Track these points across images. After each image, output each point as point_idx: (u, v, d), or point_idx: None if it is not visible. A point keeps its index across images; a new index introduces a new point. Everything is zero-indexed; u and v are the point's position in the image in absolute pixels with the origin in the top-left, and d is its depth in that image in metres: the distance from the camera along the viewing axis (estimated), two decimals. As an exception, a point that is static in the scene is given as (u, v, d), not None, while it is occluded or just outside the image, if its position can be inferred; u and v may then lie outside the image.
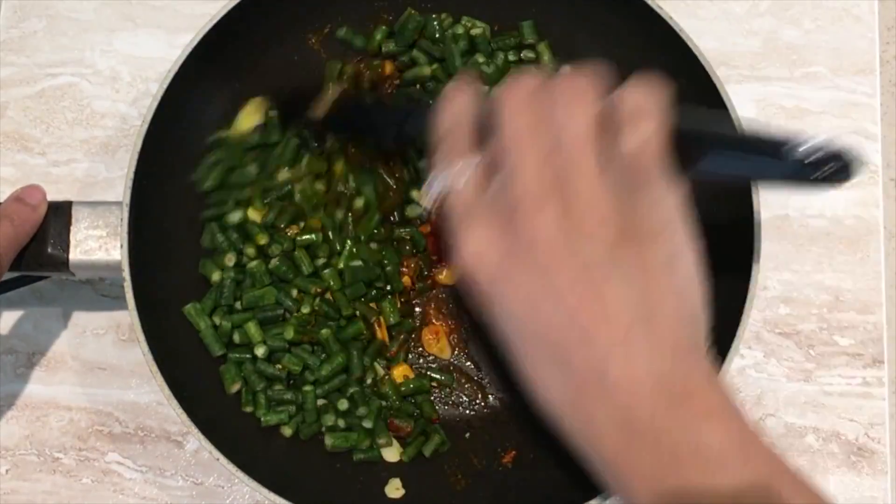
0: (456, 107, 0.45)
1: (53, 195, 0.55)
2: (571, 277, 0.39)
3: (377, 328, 0.59)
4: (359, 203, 0.59)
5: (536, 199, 0.40)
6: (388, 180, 0.59)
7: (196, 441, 0.51)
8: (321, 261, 0.58)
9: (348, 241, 0.58)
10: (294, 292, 0.58)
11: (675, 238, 0.41)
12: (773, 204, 0.65)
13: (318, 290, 0.58)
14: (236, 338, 0.57)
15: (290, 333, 0.57)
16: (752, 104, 0.67)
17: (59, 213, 0.54)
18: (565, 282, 0.39)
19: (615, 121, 0.41)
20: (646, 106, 0.41)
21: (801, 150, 0.41)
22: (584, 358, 0.39)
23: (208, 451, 0.51)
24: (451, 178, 0.44)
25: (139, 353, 0.52)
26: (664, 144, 0.41)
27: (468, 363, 0.61)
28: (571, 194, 0.40)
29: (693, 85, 0.57)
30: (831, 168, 0.40)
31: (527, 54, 0.62)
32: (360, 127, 0.58)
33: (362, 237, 0.58)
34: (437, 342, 0.60)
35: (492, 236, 0.41)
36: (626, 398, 0.38)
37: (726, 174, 0.44)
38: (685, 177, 0.42)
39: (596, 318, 0.39)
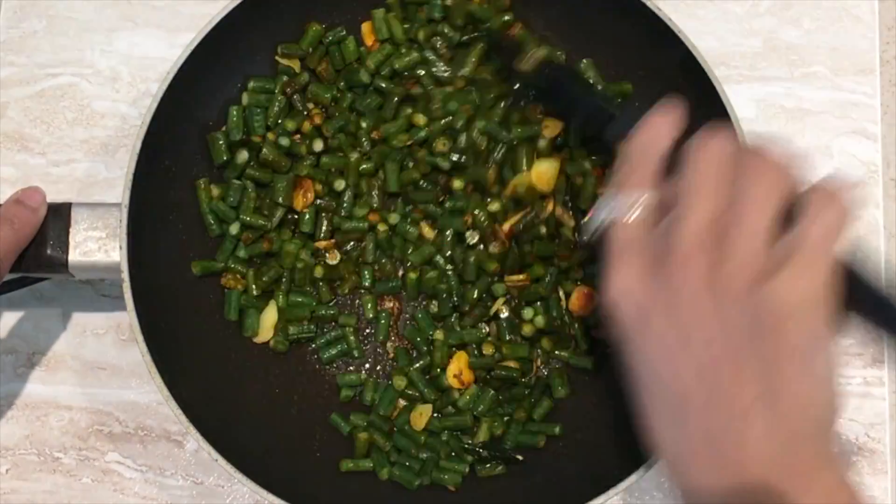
0: (653, 135, 0.45)
1: (53, 195, 0.55)
2: (709, 335, 0.40)
3: None
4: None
5: (694, 247, 0.40)
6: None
7: (195, 441, 0.52)
8: None
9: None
10: None
11: (816, 321, 0.40)
12: (773, 204, 0.65)
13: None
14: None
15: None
16: (751, 104, 0.67)
17: (59, 215, 0.54)
18: (702, 338, 0.40)
19: (796, 210, 0.41)
20: (842, 194, 0.41)
21: None
22: (701, 423, 0.39)
23: (207, 451, 0.51)
24: (622, 208, 0.44)
25: (139, 353, 0.52)
26: (841, 236, 0.41)
27: None
28: (729, 253, 0.40)
29: (692, 85, 0.57)
30: None
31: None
32: (561, 98, 0.56)
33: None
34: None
35: (643, 275, 0.42)
36: (735, 470, 0.39)
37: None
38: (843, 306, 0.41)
39: (725, 383, 0.39)
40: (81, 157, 0.66)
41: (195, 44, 0.56)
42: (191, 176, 0.59)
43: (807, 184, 0.42)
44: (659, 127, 0.46)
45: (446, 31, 0.61)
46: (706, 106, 0.56)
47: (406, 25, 0.61)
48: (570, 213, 0.60)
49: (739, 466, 0.38)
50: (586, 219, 0.46)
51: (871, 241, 0.65)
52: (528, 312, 0.59)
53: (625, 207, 0.44)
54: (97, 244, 0.54)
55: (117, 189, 0.54)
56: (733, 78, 0.67)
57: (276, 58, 0.61)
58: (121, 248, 0.53)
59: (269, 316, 0.59)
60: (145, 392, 0.62)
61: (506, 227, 0.59)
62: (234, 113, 0.59)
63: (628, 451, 0.51)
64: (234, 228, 0.59)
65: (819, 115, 0.67)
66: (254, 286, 0.59)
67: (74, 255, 0.54)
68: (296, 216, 0.60)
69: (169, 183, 0.58)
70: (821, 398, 0.40)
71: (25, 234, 0.53)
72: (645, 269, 0.42)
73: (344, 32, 0.62)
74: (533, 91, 0.58)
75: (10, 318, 0.64)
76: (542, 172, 0.59)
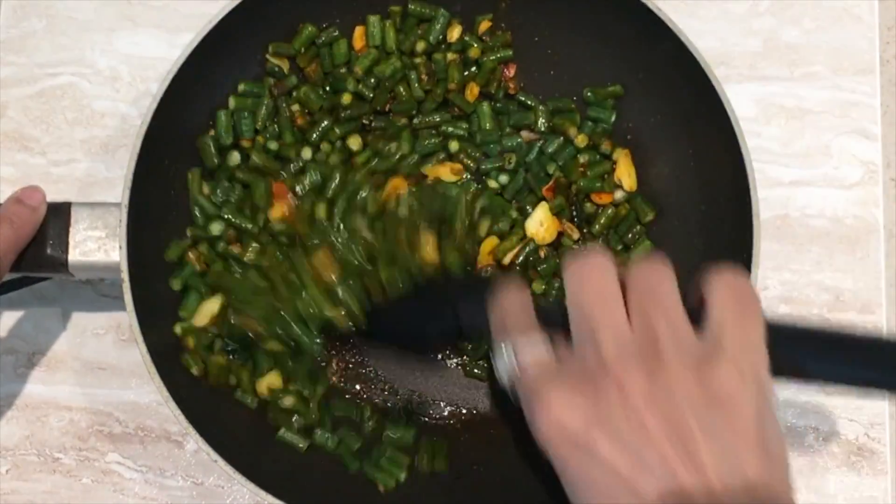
0: (512, 294, 0.45)
1: (53, 195, 0.55)
2: (663, 439, 0.38)
3: None
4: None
5: (623, 363, 0.39)
6: None
7: (195, 442, 0.51)
8: None
9: None
10: None
11: (763, 400, 0.40)
12: (774, 204, 0.65)
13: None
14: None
15: None
16: (751, 104, 0.67)
17: (58, 215, 0.54)
18: (657, 443, 0.38)
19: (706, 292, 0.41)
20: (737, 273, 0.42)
21: None
22: None
23: (206, 452, 0.51)
24: (520, 353, 0.43)
25: (139, 353, 0.52)
26: (760, 309, 0.41)
27: None
28: (660, 353, 0.39)
29: (692, 85, 0.57)
30: None
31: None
32: (401, 335, 0.55)
33: None
34: None
35: (574, 403, 0.40)
36: None
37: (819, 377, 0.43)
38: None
39: (691, 481, 0.37)
40: (81, 157, 0.66)
41: (195, 44, 0.56)
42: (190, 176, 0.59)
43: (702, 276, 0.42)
44: (514, 290, 0.45)
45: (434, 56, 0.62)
46: (706, 106, 0.56)
47: (401, 36, 0.62)
48: (574, 223, 0.60)
49: None
50: (499, 376, 0.45)
51: (872, 241, 0.65)
52: None
53: (523, 351, 0.43)
54: (97, 244, 0.54)
55: (117, 189, 0.54)
56: (733, 78, 0.67)
57: (267, 55, 0.61)
58: (120, 247, 0.53)
59: (210, 305, 0.58)
60: (145, 392, 0.62)
61: (507, 259, 0.59)
62: (223, 117, 0.59)
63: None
64: (216, 228, 0.58)
65: (819, 115, 0.67)
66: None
67: (74, 255, 0.54)
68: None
69: (169, 183, 0.58)
70: (781, 468, 0.40)
71: (25, 233, 0.53)
72: (572, 397, 0.40)
73: (337, 34, 0.62)
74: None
75: (10, 318, 0.64)
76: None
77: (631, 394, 0.39)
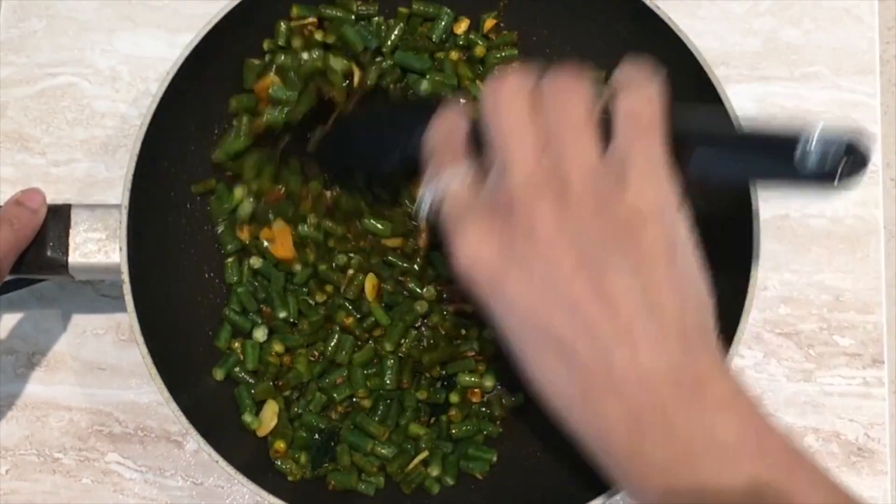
0: (446, 122, 0.45)
1: (53, 195, 0.55)
2: (570, 270, 0.38)
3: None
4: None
5: (530, 190, 0.39)
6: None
7: (195, 442, 0.51)
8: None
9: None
10: None
11: (673, 224, 0.40)
12: (774, 204, 0.65)
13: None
14: None
15: None
16: (752, 104, 0.67)
17: (59, 216, 0.54)
18: (564, 275, 0.38)
19: (610, 107, 0.40)
20: (642, 79, 0.41)
21: (807, 147, 0.38)
22: (589, 351, 0.38)
23: (207, 453, 0.51)
24: (443, 184, 0.43)
25: (139, 354, 0.52)
26: (660, 117, 0.40)
27: None
28: (567, 183, 0.39)
29: (691, 85, 0.57)
30: (842, 165, 0.38)
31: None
32: (354, 160, 0.55)
33: None
34: None
35: (487, 235, 0.40)
36: (635, 391, 0.37)
37: (722, 174, 0.42)
38: (678, 173, 0.41)
39: (598, 311, 0.38)
40: (81, 157, 0.66)
41: (195, 44, 0.56)
42: (191, 176, 0.59)
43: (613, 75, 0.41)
44: (451, 116, 0.45)
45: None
46: (706, 106, 0.56)
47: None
48: None
49: (638, 380, 0.37)
50: (416, 214, 0.44)
51: (872, 241, 0.65)
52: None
53: (445, 182, 0.43)
54: (97, 245, 0.54)
55: (117, 189, 0.54)
56: (733, 78, 0.67)
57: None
58: (121, 249, 0.53)
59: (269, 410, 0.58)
60: (145, 392, 0.62)
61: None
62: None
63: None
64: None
65: (819, 115, 0.67)
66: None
67: (74, 257, 0.54)
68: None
69: (169, 183, 0.58)
70: (696, 301, 0.39)
71: (25, 235, 0.53)
72: (486, 229, 0.40)
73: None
74: (326, 166, 0.57)
75: (10, 318, 0.64)
76: None
77: (539, 225, 0.39)
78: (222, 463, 0.51)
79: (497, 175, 0.41)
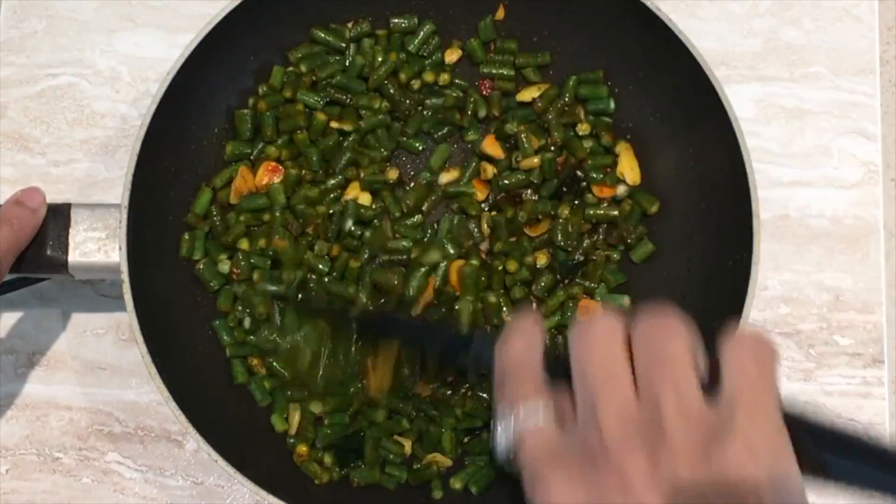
0: (523, 341, 0.41)
1: (53, 195, 0.55)
2: None
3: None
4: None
5: (624, 438, 0.36)
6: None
7: (195, 441, 0.52)
8: None
9: None
10: None
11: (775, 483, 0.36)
12: (773, 204, 0.65)
13: None
14: None
15: None
16: (751, 104, 0.67)
17: (58, 216, 0.54)
18: None
19: (720, 355, 0.37)
20: (755, 334, 0.38)
21: None
22: None
23: (207, 452, 0.51)
24: (521, 422, 0.40)
25: (139, 354, 0.52)
26: (777, 375, 0.38)
27: None
28: (666, 431, 0.36)
29: (692, 85, 0.57)
30: None
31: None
32: (403, 337, 0.56)
33: None
34: None
35: (576, 487, 0.37)
36: None
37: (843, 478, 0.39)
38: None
39: None
40: (81, 157, 0.66)
41: (195, 44, 0.56)
42: (191, 176, 0.59)
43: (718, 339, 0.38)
44: (526, 332, 0.42)
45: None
46: (706, 106, 0.56)
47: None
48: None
49: None
50: (494, 450, 0.42)
51: (872, 241, 0.65)
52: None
53: (523, 419, 0.40)
54: (97, 245, 0.54)
55: (117, 189, 0.54)
56: (733, 78, 0.67)
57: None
58: (120, 248, 0.53)
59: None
60: (145, 392, 0.62)
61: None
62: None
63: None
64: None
65: (819, 115, 0.67)
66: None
67: (74, 256, 0.54)
68: None
69: (169, 183, 0.58)
70: None
71: (25, 234, 0.53)
72: (574, 478, 0.37)
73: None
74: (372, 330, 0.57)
75: (10, 318, 0.64)
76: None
77: (632, 479, 0.36)
78: (221, 463, 0.51)
79: (587, 418, 0.38)
